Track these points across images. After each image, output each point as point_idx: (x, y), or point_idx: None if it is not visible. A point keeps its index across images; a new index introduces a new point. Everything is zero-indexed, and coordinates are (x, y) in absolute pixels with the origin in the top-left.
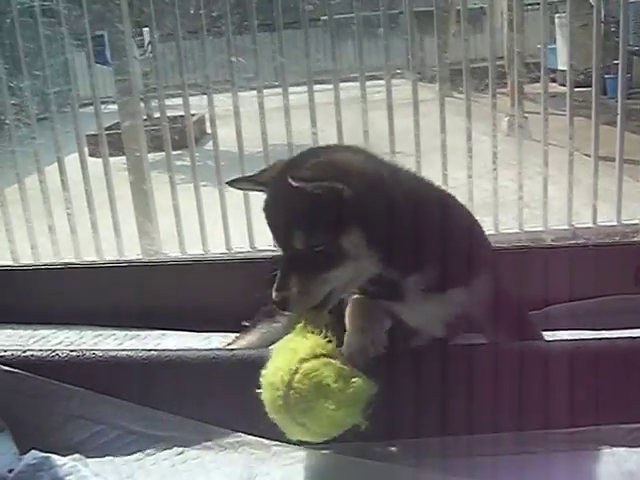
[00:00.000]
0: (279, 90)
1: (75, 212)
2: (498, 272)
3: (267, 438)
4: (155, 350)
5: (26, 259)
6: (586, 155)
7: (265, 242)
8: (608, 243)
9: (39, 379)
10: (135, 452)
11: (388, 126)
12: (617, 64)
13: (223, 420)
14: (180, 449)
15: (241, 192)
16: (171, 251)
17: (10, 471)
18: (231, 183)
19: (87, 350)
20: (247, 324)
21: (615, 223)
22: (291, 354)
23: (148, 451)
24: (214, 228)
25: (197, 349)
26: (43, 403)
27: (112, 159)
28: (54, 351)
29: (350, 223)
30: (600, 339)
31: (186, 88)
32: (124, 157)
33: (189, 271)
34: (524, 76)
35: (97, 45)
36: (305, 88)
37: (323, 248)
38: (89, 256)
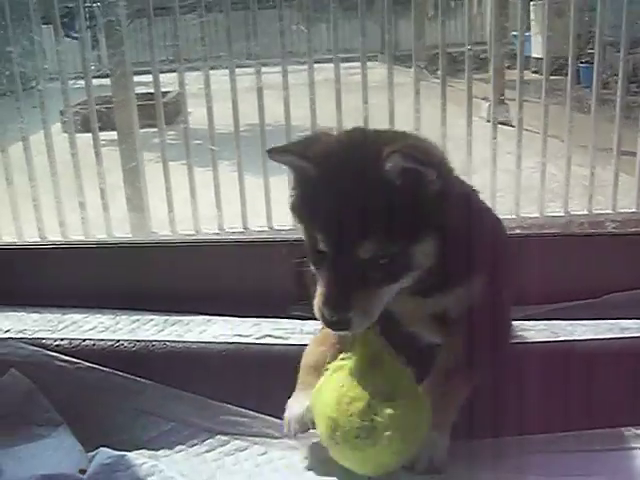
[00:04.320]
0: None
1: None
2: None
3: None
4: (229, 343)
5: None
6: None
7: (257, 223)
8: None
9: (105, 371)
10: (210, 451)
11: (362, 109)
12: (591, 53)
13: None
14: (263, 449)
15: (227, 171)
16: (160, 230)
17: (82, 471)
18: (271, 152)
19: (156, 341)
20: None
21: (586, 212)
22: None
23: (222, 449)
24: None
25: (282, 344)
26: (108, 397)
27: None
28: (118, 341)
29: (428, 228)
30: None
31: (156, 65)
32: (107, 133)
33: (225, 251)
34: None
35: (67, 18)
36: (278, 69)
37: (390, 260)
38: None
